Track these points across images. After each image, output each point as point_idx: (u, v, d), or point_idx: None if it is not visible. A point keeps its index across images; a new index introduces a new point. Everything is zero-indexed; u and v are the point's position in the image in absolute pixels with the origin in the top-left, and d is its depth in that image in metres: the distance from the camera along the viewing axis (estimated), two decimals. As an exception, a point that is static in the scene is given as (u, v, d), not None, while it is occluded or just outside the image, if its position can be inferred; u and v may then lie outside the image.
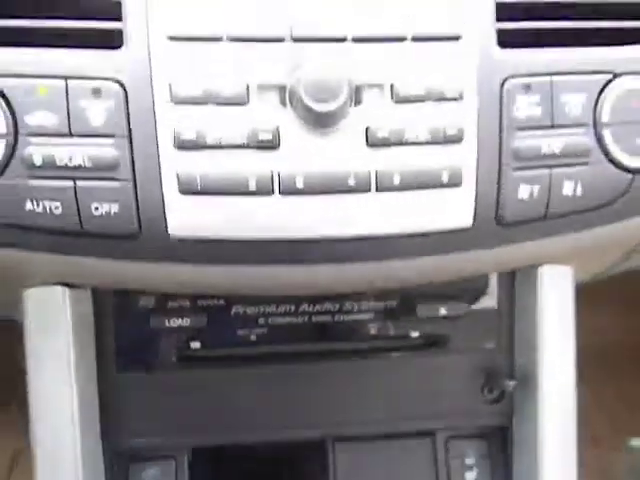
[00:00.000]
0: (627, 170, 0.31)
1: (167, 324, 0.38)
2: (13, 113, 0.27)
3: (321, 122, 0.27)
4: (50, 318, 0.33)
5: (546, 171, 0.30)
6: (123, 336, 0.38)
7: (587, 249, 0.35)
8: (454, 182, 0.29)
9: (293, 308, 0.40)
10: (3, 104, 0.27)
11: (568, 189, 0.30)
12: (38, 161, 0.27)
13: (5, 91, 0.27)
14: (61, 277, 0.32)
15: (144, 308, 0.38)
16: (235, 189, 0.27)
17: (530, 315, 0.38)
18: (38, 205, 0.27)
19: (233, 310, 0.39)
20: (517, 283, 0.40)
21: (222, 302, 0.39)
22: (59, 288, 0.33)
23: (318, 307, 0.40)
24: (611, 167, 0.31)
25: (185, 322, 0.38)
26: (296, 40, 0.28)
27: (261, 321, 0.40)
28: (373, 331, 0.41)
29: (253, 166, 0.27)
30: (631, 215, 0.33)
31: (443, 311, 0.39)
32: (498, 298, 0.41)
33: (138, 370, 0.39)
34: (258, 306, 0.39)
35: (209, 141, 0.27)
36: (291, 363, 0.41)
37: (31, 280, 0.33)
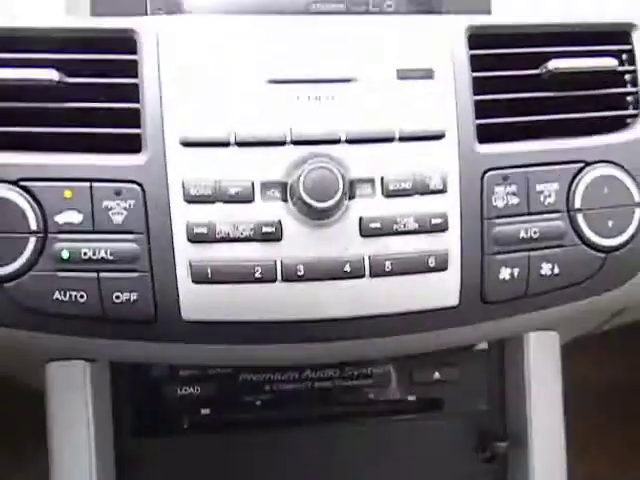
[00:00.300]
0: (600, 250, 0.34)
1: (178, 392, 0.41)
2: (43, 213, 0.30)
3: (319, 216, 0.30)
4: (71, 389, 0.36)
5: (525, 254, 0.33)
6: (138, 403, 0.41)
7: (568, 319, 0.38)
8: (441, 267, 0.32)
9: (297, 375, 0.42)
10: (34, 204, 0.30)
11: (546, 270, 0.33)
12: (65, 255, 0.30)
13: (36, 193, 0.30)
14: (82, 354, 0.35)
15: (157, 377, 0.41)
16: (242, 277, 0.30)
17: (519, 378, 0.41)
18: (64, 295, 0.30)
19: (240, 378, 0.42)
20: (506, 348, 0.42)
21: (230, 371, 0.41)
22: (80, 362, 0.36)
23: (320, 374, 0.42)
24: (585, 248, 0.34)
25: (195, 390, 0.41)
26: (295, 143, 0.31)
27: (267, 388, 0.42)
28: (372, 396, 0.43)
29: (258, 256, 0.31)
30: (606, 290, 0.35)
31: (437, 376, 0.41)
32: (489, 362, 0.43)
33: (152, 435, 0.42)
34: (264, 374, 0.42)
35: (218, 235, 0.30)
36: (295, 427, 0.43)
37: (53, 356, 0.35)
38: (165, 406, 0.41)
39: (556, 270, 0.33)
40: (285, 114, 0.31)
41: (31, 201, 0.30)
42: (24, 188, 0.30)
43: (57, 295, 0.30)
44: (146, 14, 0.34)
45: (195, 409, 0.42)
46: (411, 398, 0.43)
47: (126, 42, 0.32)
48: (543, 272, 0.33)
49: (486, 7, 0.38)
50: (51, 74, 0.31)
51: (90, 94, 0.32)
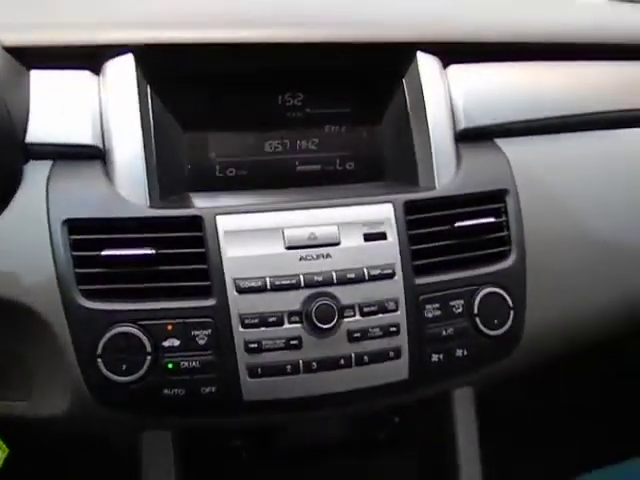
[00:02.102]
0: (490, 338, 0.55)
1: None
2: (154, 340, 0.48)
3: (323, 332, 0.50)
4: (161, 454, 0.54)
5: (446, 345, 0.53)
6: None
7: (477, 380, 0.59)
8: (397, 356, 0.52)
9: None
10: (148, 335, 0.48)
11: (459, 353, 0.54)
12: (170, 366, 0.48)
13: (149, 328, 0.47)
14: (171, 427, 0.53)
15: None
16: (279, 372, 0.49)
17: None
18: (170, 391, 0.48)
19: None
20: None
21: None
22: (169, 433, 0.54)
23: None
24: (481, 337, 0.54)
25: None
26: (307, 287, 0.50)
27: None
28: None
29: (288, 359, 0.49)
30: (497, 361, 0.57)
31: (397, 419, 0.62)
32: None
33: None
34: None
35: (264, 347, 0.49)
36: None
37: (150, 428, 0.53)
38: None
39: (465, 352, 0.54)
40: (299, 268, 0.51)
41: (146, 333, 0.48)
42: (141, 325, 0.48)
43: (165, 391, 0.48)
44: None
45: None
46: (380, 436, 0.63)
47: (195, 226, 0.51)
48: (457, 354, 0.54)
49: (415, 177, 0.59)
50: (148, 250, 0.49)
51: (172, 260, 0.50)
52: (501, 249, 0.57)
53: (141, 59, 0.54)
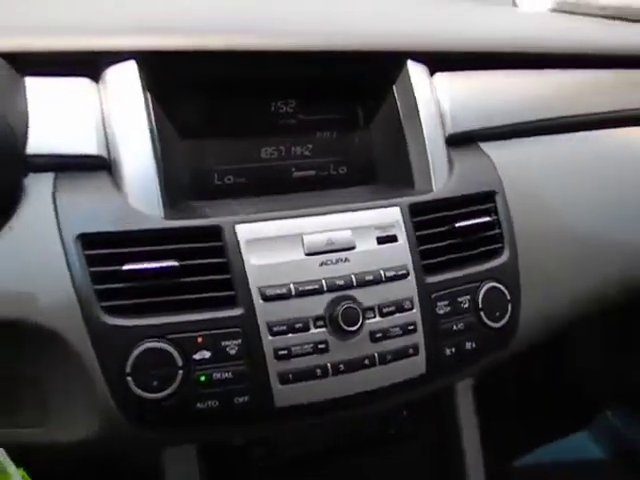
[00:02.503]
0: (492, 329, 0.59)
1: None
2: (185, 354, 0.47)
3: (348, 335, 0.51)
4: (185, 470, 0.52)
5: (457, 339, 0.57)
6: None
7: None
8: (415, 353, 0.54)
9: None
10: (179, 349, 0.47)
11: (468, 346, 0.57)
12: (202, 379, 0.47)
13: (179, 341, 0.46)
14: (202, 440, 0.52)
15: None
16: (309, 376, 0.50)
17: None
18: (203, 404, 0.47)
19: None
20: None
21: None
22: (192, 447, 0.52)
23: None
24: (485, 329, 0.58)
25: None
26: (329, 291, 0.51)
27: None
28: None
29: (316, 363, 0.50)
30: (500, 350, 0.61)
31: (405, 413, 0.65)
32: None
33: None
34: None
35: (293, 353, 0.49)
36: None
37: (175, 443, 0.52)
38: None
39: (474, 345, 0.57)
40: (320, 274, 0.52)
41: (176, 347, 0.47)
42: (170, 339, 0.47)
43: (198, 405, 0.47)
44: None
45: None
46: (392, 431, 0.65)
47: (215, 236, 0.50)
48: (467, 347, 0.57)
49: (410, 180, 0.62)
50: (171, 262, 0.48)
51: (194, 271, 0.49)
52: (496, 246, 0.61)
53: (143, 66, 0.53)
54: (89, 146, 0.50)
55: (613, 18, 0.92)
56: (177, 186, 0.55)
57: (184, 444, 0.53)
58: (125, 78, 0.52)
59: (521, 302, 0.61)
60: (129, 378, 0.46)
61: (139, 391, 0.46)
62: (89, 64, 0.52)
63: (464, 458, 0.63)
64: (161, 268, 0.47)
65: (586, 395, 1.41)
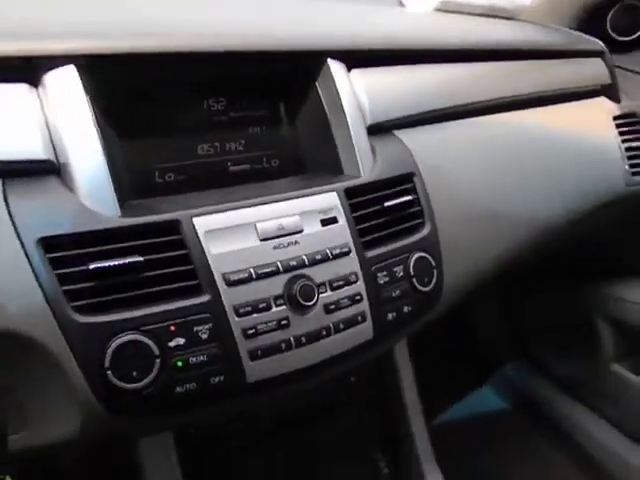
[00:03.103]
0: (423, 293, 0.66)
1: None
2: (160, 342, 0.49)
3: (306, 309, 0.56)
4: (163, 457, 0.54)
5: (396, 304, 0.64)
6: None
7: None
8: (363, 320, 0.60)
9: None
10: (154, 339, 0.49)
11: (406, 309, 0.64)
12: (179, 364, 0.49)
13: (154, 331, 0.49)
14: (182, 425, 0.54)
15: None
16: (275, 351, 0.55)
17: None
18: (182, 387, 0.50)
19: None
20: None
21: None
22: (170, 434, 0.54)
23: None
24: (417, 294, 0.66)
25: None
26: (285, 271, 0.56)
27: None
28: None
29: (281, 337, 0.55)
30: (430, 310, 0.69)
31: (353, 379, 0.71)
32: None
33: None
34: None
35: (259, 330, 0.53)
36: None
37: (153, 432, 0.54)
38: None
39: (410, 308, 0.65)
40: (275, 257, 0.56)
41: (151, 337, 0.49)
42: (145, 330, 0.49)
43: (178, 389, 0.50)
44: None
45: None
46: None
47: (173, 230, 0.53)
48: (405, 311, 0.65)
49: (340, 168, 0.68)
50: (135, 258, 0.50)
51: (159, 264, 0.51)
52: (419, 221, 0.69)
53: (82, 70, 0.54)
54: (36, 151, 0.51)
55: (490, 16, 1.05)
56: (123, 186, 0.57)
57: (164, 431, 0.55)
58: (65, 83, 0.53)
59: (443, 268, 0.70)
60: (109, 372, 0.47)
61: (120, 383, 0.48)
62: (27, 70, 0.52)
63: (407, 412, 0.71)
64: (125, 264, 0.49)
65: (487, 350, 1.58)
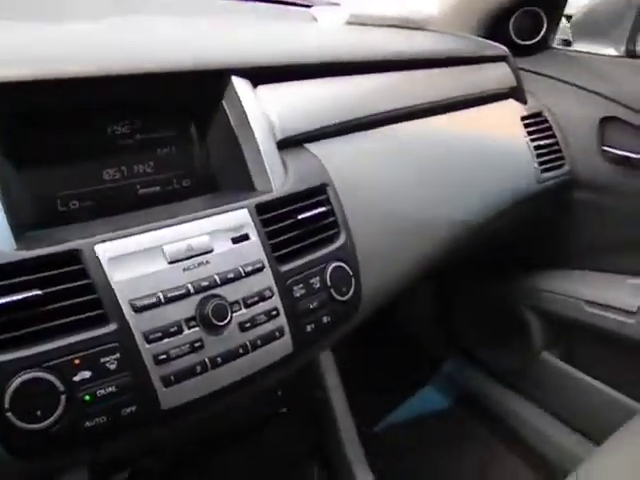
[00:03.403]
0: (338, 301, 0.67)
1: None
2: (64, 378, 0.47)
3: (221, 328, 0.56)
4: None
5: (314, 316, 0.64)
6: None
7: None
8: (281, 335, 0.61)
9: None
10: (57, 374, 0.47)
11: (325, 320, 0.65)
12: (87, 398, 0.48)
13: (58, 366, 0.47)
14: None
15: None
16: (190, 375, 0.54)
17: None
18: (91, 422, 0.48)
19: None
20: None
21: None
22: (85, 469, 0.52)
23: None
24: (334, 303, 0.66)
25: None
26: (197, 292, 0.55)
27: None
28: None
29: (196, 360, 0.54)
30: (350, 320, 0.70)
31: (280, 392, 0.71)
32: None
33: None
34: None
35: (172, 356, 0.53)
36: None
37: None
38: None
39: (329, 318, 0.65)
40: (185, 278, 0.55)
41: (54, 373, 0.47)
42: (47, 367, 0.47)
43: (87, 424, 0.48)
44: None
45: None
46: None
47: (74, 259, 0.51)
48: (324, 321, 0.65)
49: (251, 184, 0.68)
50: (33, 292, 0.48)
51: (60, 297, 0.50)
52: (334, 231, 0.70)
53: None
54: None
55: (400, 27, 1.08)
56: (20, 216, 0.55)
57: (77, 467, 0.53)
58: None
59: (361, 276, 0.71)
60: (8, 414, 0.45)
61: (22, 424, 0.46)
62: None
63: (336, 419, 0.72)
64: (23, 299, 0.47)
65: (427, 348, 1.61)
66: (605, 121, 1.10)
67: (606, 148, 1.10)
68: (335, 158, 0.75)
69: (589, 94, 1.11)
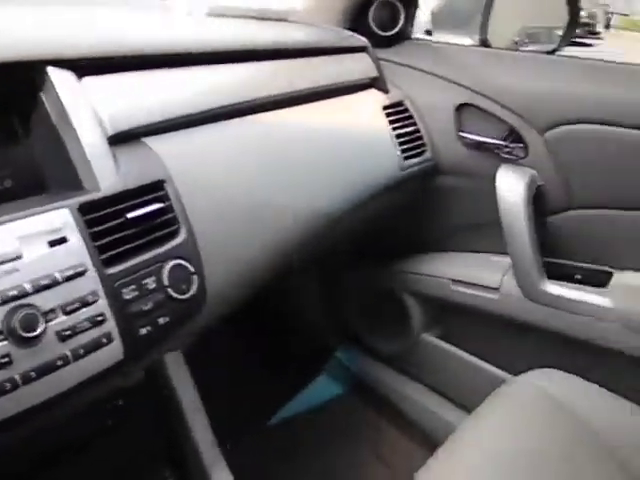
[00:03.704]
0: (178, 301, 0.65)
1: None
2: None
3: (32, 342, 0.52)
4: None
5: (153, 318, 0.62)
6: None
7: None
8: (109, 341, 0.58)
9: None
10: None
11: (163, 321, 0.63)
12: None
13: None
14: None
15: None
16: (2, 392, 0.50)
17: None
18: None
19: None
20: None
21: None
22: None
23: None
24: (174, 303, 0.65)
25: None
26: (3, 304, 0.51)
27: None
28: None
29: (4, 378, 0.50)
30: (189, 320, 0.69)
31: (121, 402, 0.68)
32: None
33: None
34: None
35: None
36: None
37: None
38: None
39: (167, 319, 0.63)
40: None
41: None
42: None
43: None
44: None
45: None
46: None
47: None
48: (161, 323, 0.63)
49: (79, 183, 0.64)
50: None
51: None
52: (172, 228, 0.67)
53: None
54: None
55: (260, 18, 1.07)
56: None
57: None
58: None
59: (205, 272, 0.69)
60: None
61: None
62: None
63: (188, 423, 0.70)
64: None
65: (319, 336, 1.62)
66: (461, 108, 1.14)
67: (462, 134, 1.14)
68: (176, 152, 0.72)
69: (446, 82, 1.16)
